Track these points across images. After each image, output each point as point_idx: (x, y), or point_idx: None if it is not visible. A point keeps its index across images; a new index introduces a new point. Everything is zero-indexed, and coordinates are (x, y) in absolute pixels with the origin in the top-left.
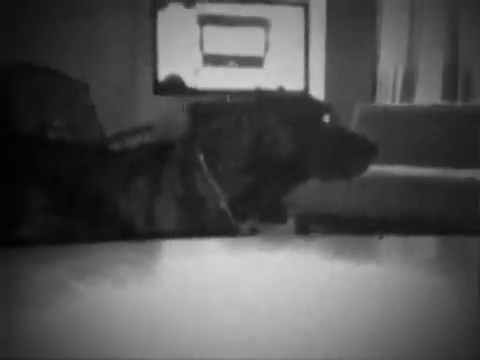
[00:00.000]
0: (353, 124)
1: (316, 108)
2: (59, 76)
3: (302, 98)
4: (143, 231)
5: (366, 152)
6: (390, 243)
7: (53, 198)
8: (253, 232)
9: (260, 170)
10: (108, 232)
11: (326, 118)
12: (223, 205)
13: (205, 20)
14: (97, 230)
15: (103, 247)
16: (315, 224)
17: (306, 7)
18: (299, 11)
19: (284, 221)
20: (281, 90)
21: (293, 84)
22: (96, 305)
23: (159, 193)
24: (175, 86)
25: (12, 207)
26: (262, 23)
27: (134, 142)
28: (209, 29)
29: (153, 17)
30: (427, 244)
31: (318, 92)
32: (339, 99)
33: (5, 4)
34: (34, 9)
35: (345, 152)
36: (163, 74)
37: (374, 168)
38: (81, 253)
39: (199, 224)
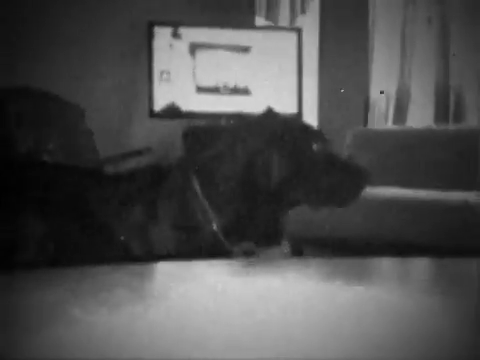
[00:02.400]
0: (346, 147)
1: (307, 134)
2: (55, 100)
3: (294, 122)
4: (138, 255)
5: (358, 180)
6: (385, 265)
7: (49, 224)
8: (247, 254)
9: (252, 195)
10: (103, 256)
11: (317, 145)
12: (215, 228)
13: (196, 47)
14: (92, 254)
15: (99, 271)
16: (309, 246)
17: (299, 32)
18: (292, 36)
19: (278, 244)
20: (271, 113)
21: (285, 109)
22: (93, 330)
23: (155, 218)
24: (170, 110)
25: (9, 233)
26: (253, 49)
27: (129, 165)
28: (200, 56)
29: (148, 44)
30: (421, 266)
31: (311, 116)
32: (332, 122)
33: (5, 28)
34: (33, 34)
35: (336, 179)
36: (158, 98)
37: (368, 190)
38: (77, 277)
39: (194, 247)
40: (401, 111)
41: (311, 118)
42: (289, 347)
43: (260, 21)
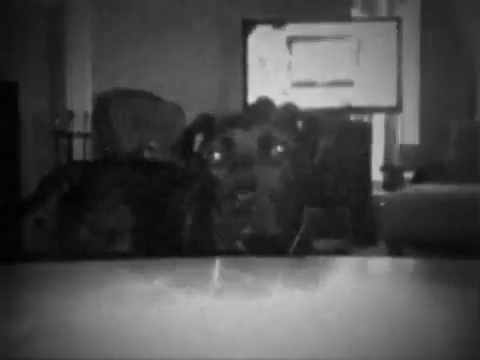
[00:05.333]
0: (451, 142)
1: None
2: (155, 99)
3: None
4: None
5: None
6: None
7: (140, 217)
8: (340, 253)
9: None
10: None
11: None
12: (302, 230)
13: (293, 41)
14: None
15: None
16: (409, 247)
17: (399, 22)
18: (391, 26)
19: (374, 243)
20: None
21: (385, 101)
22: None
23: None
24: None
25: (111, 222)
26: (352, 40)
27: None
28: (298, 50)
29: (243, 38)
30: None
31: (412, 109)
32: (435, 115)
33: (105, 36)
34: (129, 36)
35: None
36: (253, 94)
37: (475, 188)
38: (173, 266)
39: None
40: None
41: (412, 110)
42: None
43: (356, 13)
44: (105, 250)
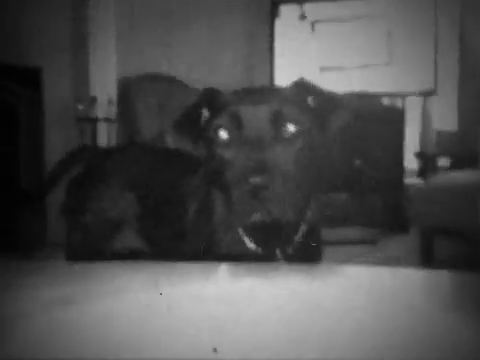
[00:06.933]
0: None
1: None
2: (177, 84)
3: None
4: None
5: None
6: None
7: (144, 204)
8: (368, 242)
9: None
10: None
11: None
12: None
13: (321, 22)
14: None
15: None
16: (441, 237)
17: None
18: (427, 4)
19: (406, 231)
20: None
21: (419, 84)
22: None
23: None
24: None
25: (116, 210)
26: (384, 19)
27: None
28: (326, 31)
29: (270, 23)
30: None
31: (450, 90)
32: (475, 99)
33: (130, 20)
34: (153, 21)
35: None
36: (279, 80)
37: None
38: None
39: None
40: None
41: (450, 92)
42: None
43: None
44: (111, 238)
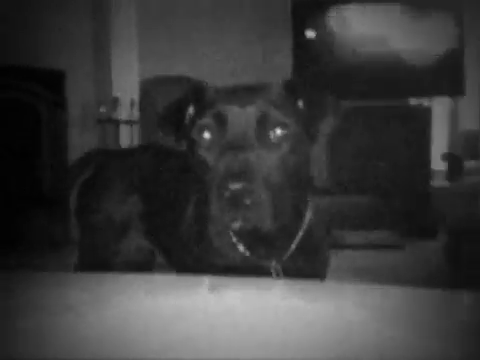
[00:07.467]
0: None
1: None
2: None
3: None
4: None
5: None
6: None
7: (148, 205)
8: (392, 248)
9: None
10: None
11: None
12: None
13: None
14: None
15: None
16: (469, 239)
17: None
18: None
19: (433, 236)
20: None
21: (446, 84)
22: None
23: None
24: None
25: (121, 212)
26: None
27: None
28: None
29: (293, 16)
30: None
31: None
32: None
33: (152, 23)
34: (175, 23)
35: None
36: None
37: None
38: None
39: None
40: None
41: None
42: None
43: None
44: (118, 240)
